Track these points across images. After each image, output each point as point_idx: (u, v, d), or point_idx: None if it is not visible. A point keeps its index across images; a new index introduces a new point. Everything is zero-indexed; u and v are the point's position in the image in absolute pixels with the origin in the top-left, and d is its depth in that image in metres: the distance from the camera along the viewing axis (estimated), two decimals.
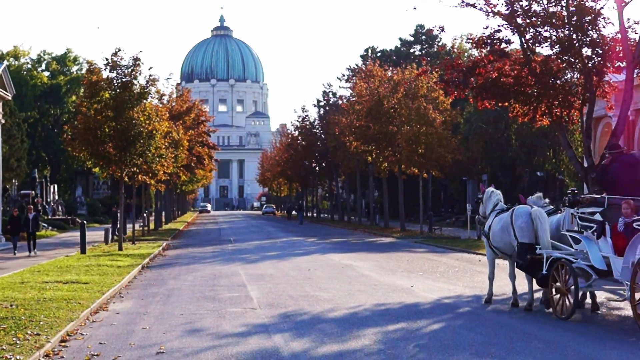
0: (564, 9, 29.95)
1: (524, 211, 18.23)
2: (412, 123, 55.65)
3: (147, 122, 39.89)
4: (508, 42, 31.13)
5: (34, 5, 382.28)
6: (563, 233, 17.57)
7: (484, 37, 31.00)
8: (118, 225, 43.69)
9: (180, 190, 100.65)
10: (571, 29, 29.86)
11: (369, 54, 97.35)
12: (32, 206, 43.40)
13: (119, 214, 43.82)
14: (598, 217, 16.42)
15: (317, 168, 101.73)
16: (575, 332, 15.14)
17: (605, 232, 16.05)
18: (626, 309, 18.10)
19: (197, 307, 19.55)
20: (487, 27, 31.08)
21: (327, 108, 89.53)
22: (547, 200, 20.28)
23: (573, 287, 16.39)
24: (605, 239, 16.03)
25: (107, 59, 40.10)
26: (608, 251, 15.97)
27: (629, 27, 29.48)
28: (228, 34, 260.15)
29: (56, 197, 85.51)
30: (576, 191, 18.13)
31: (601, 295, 18.99)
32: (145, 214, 62.64)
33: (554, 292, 17.20)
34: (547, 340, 14.40)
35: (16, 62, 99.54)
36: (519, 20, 30.49)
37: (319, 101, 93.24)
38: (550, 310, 17.48)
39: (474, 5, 30.78)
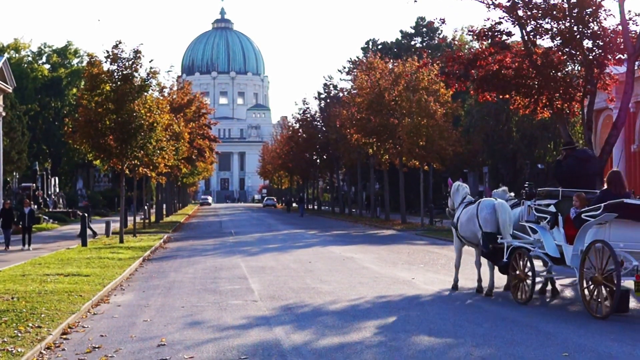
0: (565, 1, 29.95)
1: (488, 203, 19.41)
2: (413, 115, 55.65)
3: (148, 114, 39.85)
4: (509, 34, 31.13)
5: None
6: (522, 224, 18.81)
7: (485, 30, 30.99)
8: (90, 226, 42.81)
9: (181, 182, 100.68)
10: (572, 21, 29.85)
11: (370, 46, 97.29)
12: (27, 200, 43.13)
13: (88, 211, 43.15)
14: (552, 208, 17.67)
15: (318, 160, 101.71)
16: (575, 325, 15.14)
17: (558, 222, 17.36)
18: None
19: (198, 299, 19.56)
20: (488, 19, 31.09)
21: (328, 100, 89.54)
22: (512, 194, 21.86)
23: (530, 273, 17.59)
24: (558, 229, 17.35)
25: (107, 52, 40.07)
26: (561, 240, 17.25)
27: (630, 19, 29.49)
28: (229, 27, 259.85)
29: (57, 190, 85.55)
30: (533, 184, 19.67)
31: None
32: (146, 207, 62.68)
33: (513, 278, 18.26)
34: (548, 333, 14.40)
35: (17, 55, 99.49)
36: (520, 13, 30.48)
37: (319, 94, 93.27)
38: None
39: None
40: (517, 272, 17.97)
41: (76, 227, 47.72)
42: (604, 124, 42.61)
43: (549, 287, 19.71)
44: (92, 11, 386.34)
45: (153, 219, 67.01)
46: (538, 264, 18.74)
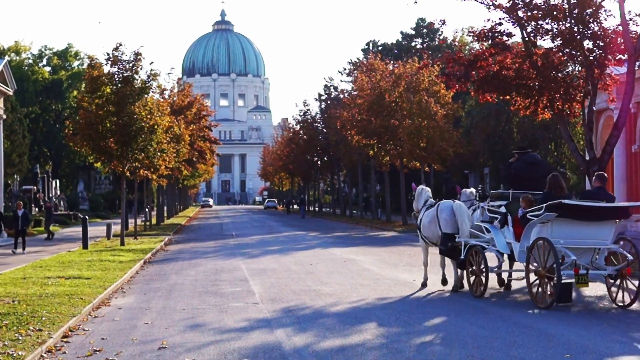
0: (565, 1, 29.91)
1: (447, 206, 20.89)
2: (414, 117, 55.70)
3: (149, 116, 39.87)
4: (509, 35, 31.06)
5: (35, 1, 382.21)
6: (478, 224, 20.23)
7: (485, 30, 30.94)
8: (50, 227, 42.15)
9: (182, 185, 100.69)
10: (572, 21, 29.81)
11: (370, 48, 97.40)
12: (21, 202, 42.97)
13: (53, 208, 42.43)
14: (502, 209, 19.24)
15: (318, 162, 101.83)
16: (577, 326, 15.13)
17: (507, 222, 18.94)
18: (627, 301, 18.17)
19: (199, 302, 19.55)
20: (488, 20, 31.01)
21: (329, 102, 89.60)
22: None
23: (484, 268, 19.11)
24: (508, 228, 18.93)
25: (108, 54, 40.11)
26: (510, 238, 18.86)
27: (631, 19, 29.44)
28: (229, 28, 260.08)
29: (58, 193, 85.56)
30: (485, 187, 19.96)
31: (604, 289, 19.03)
32: (147, 209, 62.68)
33: (470, 274, 19.85)
34: (550, 334, 14.39)
35: (17, 58, 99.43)
36: (520, 13, 30.42)
37: (320, 95, 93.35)
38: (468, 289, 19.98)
39: None
40: (473, 268, 19.54)
41: (78, 230, 47.69)
42: (605, 124, 42.53)
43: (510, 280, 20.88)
44: (92, 13, 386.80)
45: (154, 221, 67.00)
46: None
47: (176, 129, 50.45)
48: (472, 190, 22.72)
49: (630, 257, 17.36)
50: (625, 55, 29.68)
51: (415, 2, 70.03)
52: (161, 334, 15.04)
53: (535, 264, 17.48)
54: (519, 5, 30.27)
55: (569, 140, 32.46)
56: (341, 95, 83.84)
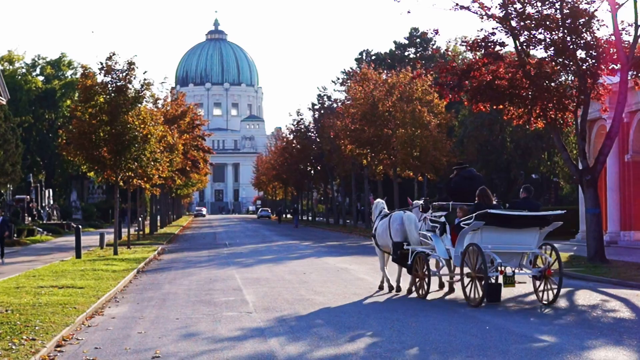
0: (558, 11, 30.02)
1: (398, 216, 22.58)
2: (407, 126, 55.76)
3: (142, 126, 39.83)
4: (502, 44, 31.16)
5: (29, 10, 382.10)
6: (422, 232, 21.93)
7: (479, 40, 31.02)
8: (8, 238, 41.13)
9: (176, 194, 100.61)
10: (565, 31, 29.92)
11: (364, 57, 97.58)
12: (1, 210, 42.06)
13: (8, 226, 41.55)
14: (442, 219, 20.97)
15: (312, 171, 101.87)
16: (571, 335, 15.15)
17: (446, 230, 20.74)
18: (621, 311, 18.23)
19: (192, 311, 19.54)
20: (481, 29, 31.13)
21: (322, 111, 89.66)
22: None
23: (427, 272, 21.03)
24: (447, 236, 20.70)
25: (101, 63, 40.10)
26: (449, 245, 20.62)
27: (623, 29, 29.57)
28: (223, 38, 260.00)
29: (51, 202, 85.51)
30: (429, 199, 23.38)
31: (596, 299, 19.05)
32: (140, 218, 62.62)
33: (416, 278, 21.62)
34: (544, 343, 14.41)
35: (11, 67, 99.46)
36: (513, 23, 30.52)
37: (313, 105, 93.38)
38: (414, 294, 21.68)
39: (468, 8, 30.79)
40: (418, 272, 21.33)
41: (71, 239, 47.60)
42: (598, 134, 42.67)
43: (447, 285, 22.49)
44: (85, 23, 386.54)
45: (147, 230, 66.90)
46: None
47: (169, 138, 50.37)
48: (420, 202, 23.69)
49: (550, 259, 19.33)
50: (618, 65, 29.79)
51: (409, 12, 70.69)
52: (155, 344, 15.03)
53: (468, 267, 19.24)
54: (512, 15, 30.37)
55: (562, 150, 32.55)
56: (334, 105, 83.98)
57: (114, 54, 40.25)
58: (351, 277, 27.42)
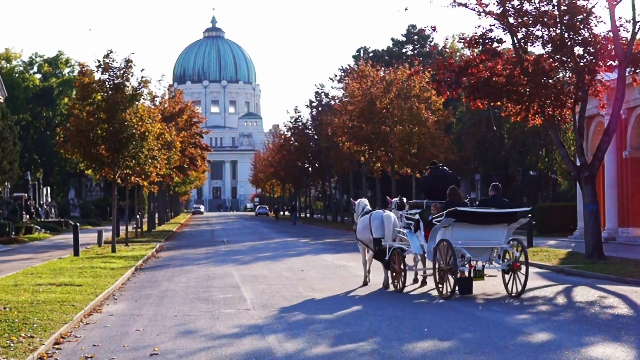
0: (556, 8, 29.99)
1: (378, 215, 23.26)
2: (405, 123, 55.72)
3: (140, 123, 39.79)
4: (500, 41, 31.14)
5: (26, 8, 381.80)
6: (399, 229, 22.82)
7: (476, 37, 31.00)
8: None
9: (173, 191, 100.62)
10: (563, 28, 29.90)
11: (361, 54, 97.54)
12: None
13: None
14: (416, 216, 21.98)
15: (310, 169, 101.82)
16: (568, 332, 15.14)
17: (420, 227, 21.74)
18: (619, 308, 18.23)
19: (190, 308, 19.53)
20: (479, 26, 31.10)
21: (320, 109, 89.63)
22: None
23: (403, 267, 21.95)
24: (421, 232, 21.68)
25: (99, 61, 40.04)
26: (422, 240, 21.54)
27: (621, 25, 29.56)
28: (220, 35, 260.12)
29: (49, 200, 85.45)
30: (403, 198, 24.13)
31: (594, 295, 19.06)
32: (138, 216, 62.59)
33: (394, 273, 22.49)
34: (542, 339, 14.41)
35: (8, 65, 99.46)
36: (511, 20, 30.51)
37: (311, 102, 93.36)
38: (392, 288, 22.47)
39: (465, 5, 30.78)
40: (395, 267, 22.15)
41: (69, 237, 47.59)
42: (596, 130, 42.68)
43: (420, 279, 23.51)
44: (83, 21, 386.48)
45: (145, 228, 66.91)
46: None
47: (167, 135, 50.35)
48: (397, 200, 24.41)
49: (517, 253, 20.24)
50: (616, 62, 29.79)
51: (406, 9, 70.30)
52: (153, 341, 15.03)
53: (440, 262, 20.13)
54: (510, 12, 30.35)
55: (559, 146, 32.53)
56: (332, 102, 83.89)
57: (111, 52, 40.22)
58: (349, 274, 27.43)
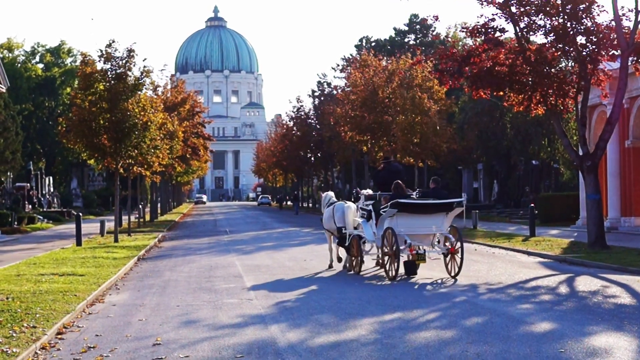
0: None
1: (340, 206, 25.72)
2: (407, 112, 55.59)
3: (142, 113, 39.80)
4: (502, 30, 31.07)
5: None
6: (357, 219, 24.98)
7: (479, 26, 30.95)
8: None
9: (176, 181, 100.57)
10: (565, 17, 29.84)
11: (364, 44, 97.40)
12: None
13: None
14: (370, 207, 23.94)
15: (312, 158, 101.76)
16: (572, 321, 15.15)
17: (372, 216, 23.76)
18: (621, 297, 18.24)
19: (193, 298, 19.54)
20: (481, 16, 31.14)
21: (322, 98, 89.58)
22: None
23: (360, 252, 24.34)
24: (373, 221, 23.70)
25: (101, 51, 40.05)
26: (374, 229, 23.55)
27: (623, 14, 29.50)
28: (222, 25, 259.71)
29: (51, 190, 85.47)
30: (359, 190, 26.68)
31: (597, 285, 19.05)
32: (140, 206, 62.60)
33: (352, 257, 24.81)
34: (545, 329, 14.42)
35: (10, 55, 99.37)
36: (513, 9, 30.45)
37: (313, 91, 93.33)
38: (352, 272, 24.54)
39: None
40: (353, 252, 24.50)
41: (71, 227, 47.61)
42: (598, 119, 42.61)
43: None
44: (85, 10, 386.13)
45: (148, 218, 66.95)
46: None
47: (169, 125, 50.36)
48: (369, 191, 26.30)
49: (452, 239, 22.58)
50: (618, 51, 29.74)
51: None
52: (155, 331, 15.04)
53: (386, 248, 22.49)
54: (512, 1, 30.29)
55: (562, 136, 32.51)
56: (334, 92, 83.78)
57: (113, 41, 40.24)
58: None
